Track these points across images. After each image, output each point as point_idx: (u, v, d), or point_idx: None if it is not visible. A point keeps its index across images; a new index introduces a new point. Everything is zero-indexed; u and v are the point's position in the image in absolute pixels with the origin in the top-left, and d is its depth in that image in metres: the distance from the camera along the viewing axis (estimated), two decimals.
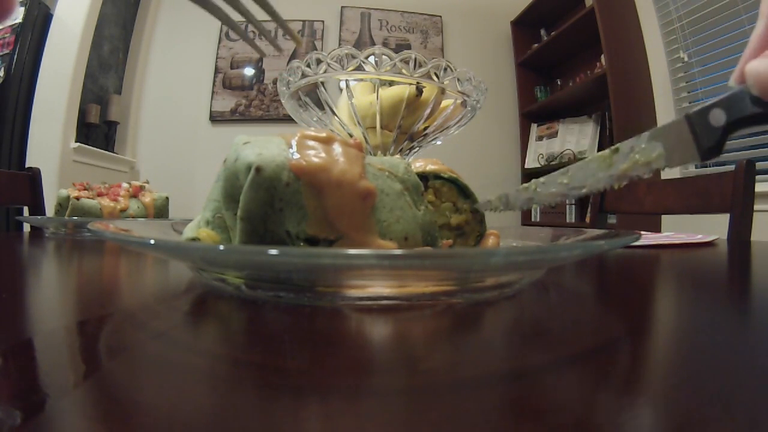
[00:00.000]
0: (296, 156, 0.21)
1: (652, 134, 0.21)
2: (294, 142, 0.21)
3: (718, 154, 0.19)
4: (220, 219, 0.23)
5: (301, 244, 0.20)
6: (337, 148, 0.22)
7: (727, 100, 0.19)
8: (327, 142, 0.22)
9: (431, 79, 0.42)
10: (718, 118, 0.19)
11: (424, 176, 0.26)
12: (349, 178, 0.20)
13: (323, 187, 0.20)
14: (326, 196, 0.20)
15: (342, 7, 2.56)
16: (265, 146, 0.21)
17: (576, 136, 2.24)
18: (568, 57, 2.38)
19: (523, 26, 2.58)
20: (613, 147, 0.22)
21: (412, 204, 0.23)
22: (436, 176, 0.27)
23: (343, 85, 0.43)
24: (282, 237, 0.21)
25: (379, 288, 0.20)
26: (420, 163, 0.27)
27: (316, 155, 0.21)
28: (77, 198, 0.67)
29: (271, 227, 0.21)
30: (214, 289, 0.23)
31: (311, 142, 0.22)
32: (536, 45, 2.41)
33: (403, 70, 0.41)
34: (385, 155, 0.46)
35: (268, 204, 0.20)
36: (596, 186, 0.22)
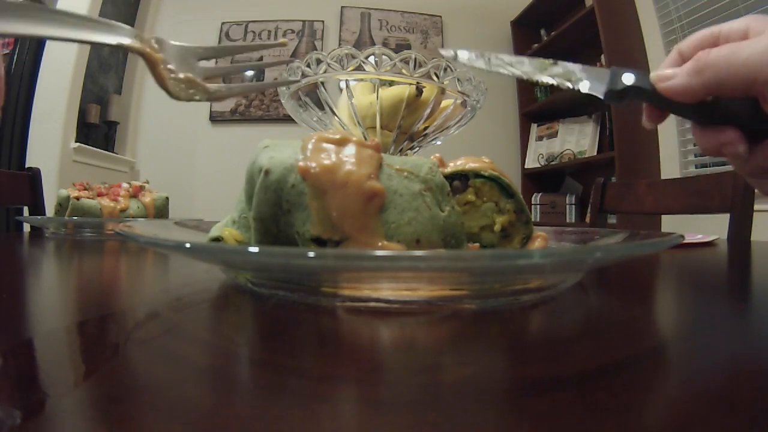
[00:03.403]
0: (306, 158, 0.21)
1: (585, 67, 0.29)
2: (309, 146, 0.22)
3: (615, 101, 0.27)
4: (245, 219, 0.24)
5: (312, 244, 0.21)
6: (350, 150, 0.21)
7: (641, 75, 0.26)
8: (341, 143, 0.22)
9: (431, 79, 0.42)
10: (628, 79, 0.26)
11: (463, 175, 0.25)
12: (354, 179, 0.20)
13: (326, 188, 0.20)
14: (328, 197, 0.20)
15: (342, 7, 2.55)
16: (279, 150, 0.22)
17: (576, 136, 2.24)
18: (568, 57, 2.35)
19: (523, 26, 2.57)
20: (553, 61, 0.30)
21: (434, 205, 0.22)
22: (477, 174, 0.25)
23: (343, 85, 0.43)
24: (293, 237, 0.21)
25: (383, 291, 0.20)
26: (461, 161, 0.26)
27: (325, 157, 0.21)
28: (77, 198, 0.67)
29: (283, 228, 0.21)
30: (214, 288, 0.23)
31: (325, 145, 0.22)
32: (536, 45, 2.41)
33: (403, 70, 0.41)
34: None
35: (276, 205, 0.21)
36: (527, 73, 0.29)
